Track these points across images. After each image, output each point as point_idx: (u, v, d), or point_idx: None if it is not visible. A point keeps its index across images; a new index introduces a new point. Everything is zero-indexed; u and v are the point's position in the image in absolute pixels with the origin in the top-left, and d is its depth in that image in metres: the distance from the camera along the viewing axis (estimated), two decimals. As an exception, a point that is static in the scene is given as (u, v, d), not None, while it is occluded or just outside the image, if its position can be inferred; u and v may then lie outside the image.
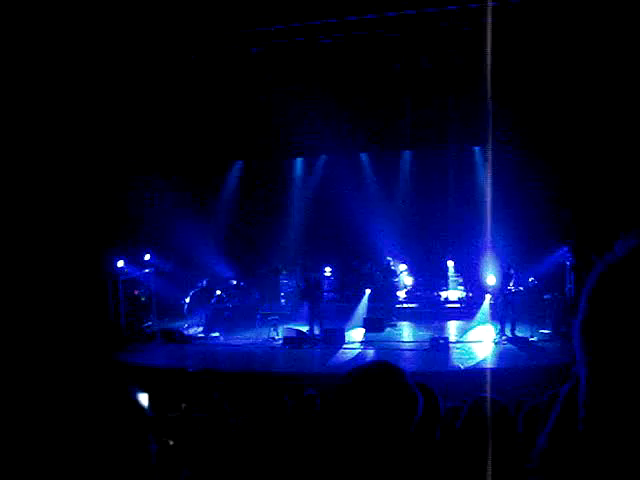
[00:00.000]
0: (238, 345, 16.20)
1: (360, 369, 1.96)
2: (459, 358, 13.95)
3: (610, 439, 0.78)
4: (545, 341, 15.02)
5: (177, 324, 18.02)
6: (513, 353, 14.28)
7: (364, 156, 20.66)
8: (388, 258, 18.93)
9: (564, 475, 0.99)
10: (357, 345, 15.56)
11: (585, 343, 0.82)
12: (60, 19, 13.48)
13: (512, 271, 15.51)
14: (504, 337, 15.17)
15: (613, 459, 0.77)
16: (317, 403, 6.95)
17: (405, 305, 18.99)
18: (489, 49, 14.24)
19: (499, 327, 15.43)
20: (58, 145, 15.11)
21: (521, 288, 15.44)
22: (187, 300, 17.85)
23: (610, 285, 0.79)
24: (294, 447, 5.46)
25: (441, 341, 14.71)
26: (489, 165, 17.95)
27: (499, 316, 15.69)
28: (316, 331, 16.18)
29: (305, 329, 16.46)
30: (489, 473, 3.14)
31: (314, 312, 16.50)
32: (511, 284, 15.44)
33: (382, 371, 1.92)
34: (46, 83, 14.35)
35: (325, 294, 17.65)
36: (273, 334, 16.40)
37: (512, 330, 15.35)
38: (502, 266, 15.91)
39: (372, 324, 16.81)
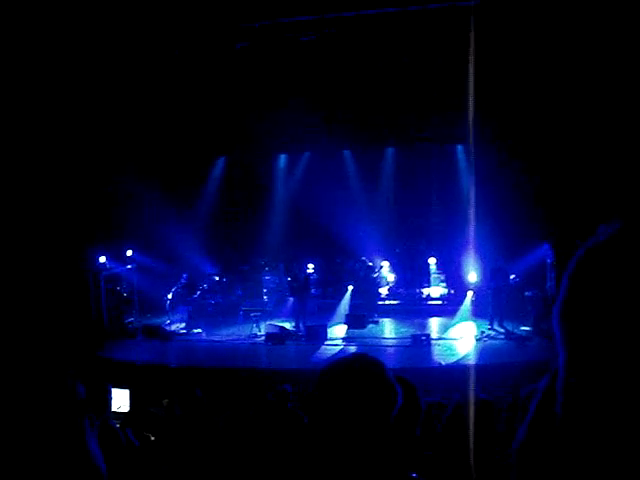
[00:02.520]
0: (220, 341, 16.18)
1: (340, 362, 1.98)
2: (440, 354, 14.02)
3: (588, 424, 0.79)
4: (526, 338, 15.12)
5: (159, 320, 17.96)
6: (494, 350, 14.36)
7: (347, 153, 20.68)
8: (363, 258, 18.98)
9: (543, 467, 1.01)
10: (339, 341, 15.59)
11: (565, 325, 0.83)
12: (34, 10, 13.37)
13: (503, 265, 15.73)
14: (491, 333, 15.31)
15: (591, 446, 0.78)
16: (290, 398, 7.00)
17: (387, 302, 19.03)
18: (472, 48, 14.29)
19: (488, 322, 15.64)
20: (39, 141, 15.01)
21: (513, 276, 15.76)
22: (169, 296, 17.78)
23: (592, 267, 0.80)
24: (274, 443, 5.47)
25: (423, 338, 14.77)
26: (471, 163, 18.04)
27: (490, 310, 15.86)
28: (302, 327, 16.22)
29: (288, 325, 16.48)
30: (472, 468, 3.17)
31: (300, 308, 16.54)
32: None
33: (361, 363, 1.94)
34: (25, 78, 14.24)
35: (311, 291, 17.67)
36: (255, 330, 16.39)
37: (501, 324, 15.56)
38: (490, 261, 16.09)
39: (354, 321, 16.84)
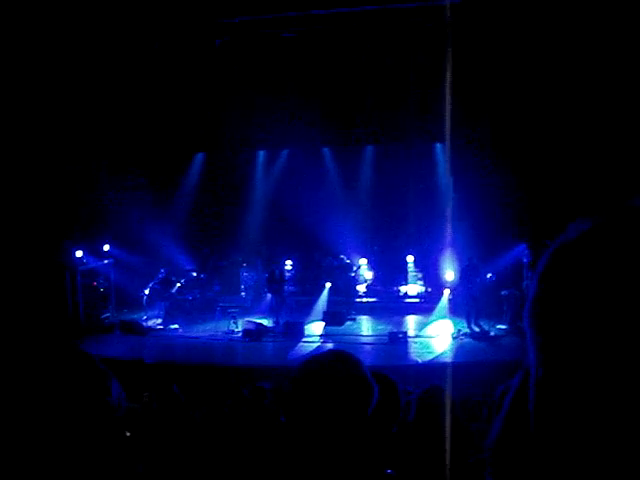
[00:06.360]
0: (197, 337, 16.13)
1: (316, 358, 1.98)
2: (417, 352, 14.08)
3: (559, 422, 0.80)
4: (502, 336, 15.22)
5: (136, 316, 17.85)
6: (470, 348, 14.45)
7: (326, 150, 20.63)
8: (341, 255, 18.99)
9: (517, 465, 1.02)
10: (316, 338, 15.60)
11: (536, 324, 0.84)
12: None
13: (475, 261, 15.79)
14: (467, 331, 15.37)
15: (565, 444, 0.79)
16: (267, 395, 7.00)
17: (365, 299, 19.07)
18: (450, 46, 14.36)
19: (465, 321, 15.69)
20: (15, 133, 14.86)
21: (490, 274, 15.83)
22: (146, 292, 17.67)
23: (562, 266, 0.81)
24: (250, 439, 5.47)
25: (400, 335, 14.82)
26: (450, 162, 18.10)
27: (465, 310, 15.91)
28: (280, 323, 16.23)
29: (266, 322, 16.46)
30: (445, 462, 3.19)
31: (278, 305, 16.54)
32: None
33: (337, 360, 1.94)
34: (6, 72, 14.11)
35: (286, 287, 17.65)
36: (232, 327, 16.35)
37: (477, 323, 15.60)
38: (464, 259, 16.14)
39: (332, 318, 16.86)
